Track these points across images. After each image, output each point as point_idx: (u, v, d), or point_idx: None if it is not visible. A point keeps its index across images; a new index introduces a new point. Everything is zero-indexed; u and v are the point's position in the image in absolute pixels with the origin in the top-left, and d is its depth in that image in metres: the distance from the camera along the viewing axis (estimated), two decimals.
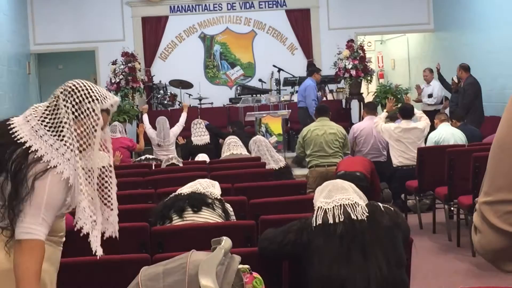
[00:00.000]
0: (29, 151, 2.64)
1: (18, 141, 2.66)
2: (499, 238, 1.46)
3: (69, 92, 2.74)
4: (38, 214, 2.59)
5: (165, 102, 13.97)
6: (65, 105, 2.72)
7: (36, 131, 2.68)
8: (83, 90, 2.75)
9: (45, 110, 2.75)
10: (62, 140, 2.70)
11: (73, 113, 2.72)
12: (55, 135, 2.70)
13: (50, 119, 2.72)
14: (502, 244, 1.47)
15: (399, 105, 10.60)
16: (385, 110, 9.89)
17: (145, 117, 11.05)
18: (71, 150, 2.69)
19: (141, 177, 6.87)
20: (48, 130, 2.70)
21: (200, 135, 10.22)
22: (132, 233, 4.04)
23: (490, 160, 1.51)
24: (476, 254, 6.01)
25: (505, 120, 1.48)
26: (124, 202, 5.14)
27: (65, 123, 2.71)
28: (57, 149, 2.67)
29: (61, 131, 2.71)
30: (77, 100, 2.73)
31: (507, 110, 1.49)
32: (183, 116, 10.90)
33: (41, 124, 2.71)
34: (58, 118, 2.72)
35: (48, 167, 2.63)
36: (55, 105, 2.74)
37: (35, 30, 14.77)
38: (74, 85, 2.76)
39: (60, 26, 14.68)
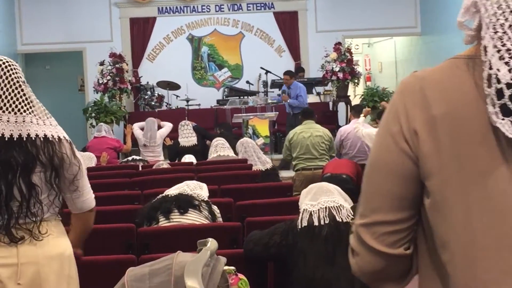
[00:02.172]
0: (48, 139, 2.79)
1: (33, 138, 2.76)
2: (377, 260, 1.48)
3: (19, 77, 2.82)
4: (88, 182, 3.00)
5: (153, 103, 13.95)
6: (26, 86, 2.83)
7: (31, 121, 2.78)
8: (15, 66, 2.85)
9: (20, 100, 2.80)
10: (48, 116, 2.86)
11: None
12: (42, 117, 2.83)
13: (29, 104, 2.81)
14: (380, 265, 1.48)
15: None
16: (361, 115, 9.89)
17: (137, 124, 11.03)
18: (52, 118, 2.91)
19: (128, 178, 6.86)
20: (35, 115, 2.80)
21: (187, 137, 10.21)
22: (118, 234, 4.06)
23: (364, 182, 1.51)
24: None
25: (376, 141, 1.48)
26: (111, 203, 5.16)
27: (37, 101, 2.86)
28: (56, 125, 2.87)
29: (44, 109, 2.86)
30: (23, 78, 2.86)
31: (378, 130, 1.49)
32: (166, 123, 10.84)
33: (30, 114, 2.79)
34: (32, 102, 2.82)
35: (68, 141, 2.87)
36: (22, 91, 2.81)
37: (23, 30, 14.71)
38: (12, 67, 2.83)
39: (47, 26, 14.63)
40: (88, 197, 2.99)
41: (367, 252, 1.48)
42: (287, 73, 12.41)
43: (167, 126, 10.75)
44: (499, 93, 1.29)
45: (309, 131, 8.88)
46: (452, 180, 1.36)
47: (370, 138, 8.95)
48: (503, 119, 1.29)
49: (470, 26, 1.44)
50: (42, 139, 2.77)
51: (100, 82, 13.21)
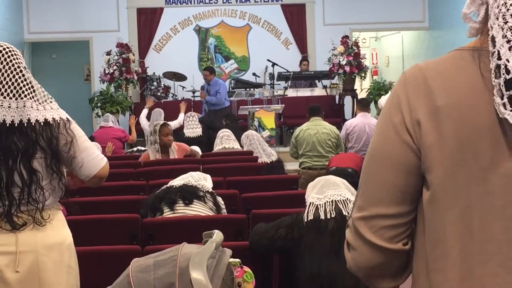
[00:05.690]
0: (48, 122, 2.80)
1: (33, 123, 2.77)
2: (375, 254, 1.43)
3: (20, 62, 2.84)
4: (91, 150, 2.97)
5: (159, 94, 13.94)
6: (27, 72, 2.86)
7: (31, 106, 2.79)
8: (15, 52, 2.87)
9: (22, 84, 2.82)
10: (49, 100, 2.88)
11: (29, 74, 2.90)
12: (43, 102, 2.85)
13: (30, 89, 2.83)
14: (378, 260, 1.44)
15: None
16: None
17: (145, 110, 11.05)
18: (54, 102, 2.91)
19: (133, 168, 6.85)
20: (35, 100, 2.82)
21: (193, 128, 10.21)
22: (123, 225, 4.05)
23: (363, 173, 1.47)
24: None
25: (378, 131, 1.45)
26: (115, 193, 5.16)
27: (38, 86, 2.87)
28: (57, 108, 2.88)
29: (47, 95, 2.89)
30: (24, 64, 2.88)
31: (379, 120, 1.45)
32: (181, 116, 10.83)
33: (31, 99, 2.81)
34: (33, 87, 2.84)
35: (65, 120, 2.86)
36: (23, 76, 2.83)
37: (30, 19, 14.70)
38: (13, 53, 2.85)
39: (54, 15, 14.61)
40: (91, 164, 2.94)
41: (365, 247, 1.43)
42: (206, 69, 12.46)
43: (177, 121, 10.71)
44: (508, 84, 1.26)
45: (316, 128, 8.82)
46: (453, 173, 1.32)
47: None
48: (511, 111, 1.26)
49: (474, 19, 1.41)
50: (42, 123, 2.78)
51: (107, 72, 13.20)
